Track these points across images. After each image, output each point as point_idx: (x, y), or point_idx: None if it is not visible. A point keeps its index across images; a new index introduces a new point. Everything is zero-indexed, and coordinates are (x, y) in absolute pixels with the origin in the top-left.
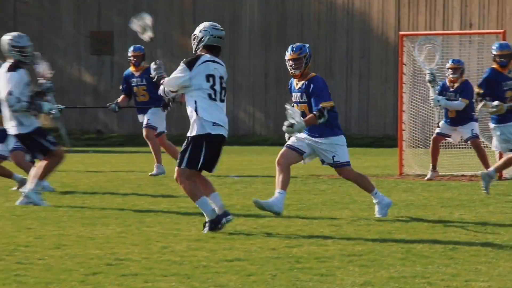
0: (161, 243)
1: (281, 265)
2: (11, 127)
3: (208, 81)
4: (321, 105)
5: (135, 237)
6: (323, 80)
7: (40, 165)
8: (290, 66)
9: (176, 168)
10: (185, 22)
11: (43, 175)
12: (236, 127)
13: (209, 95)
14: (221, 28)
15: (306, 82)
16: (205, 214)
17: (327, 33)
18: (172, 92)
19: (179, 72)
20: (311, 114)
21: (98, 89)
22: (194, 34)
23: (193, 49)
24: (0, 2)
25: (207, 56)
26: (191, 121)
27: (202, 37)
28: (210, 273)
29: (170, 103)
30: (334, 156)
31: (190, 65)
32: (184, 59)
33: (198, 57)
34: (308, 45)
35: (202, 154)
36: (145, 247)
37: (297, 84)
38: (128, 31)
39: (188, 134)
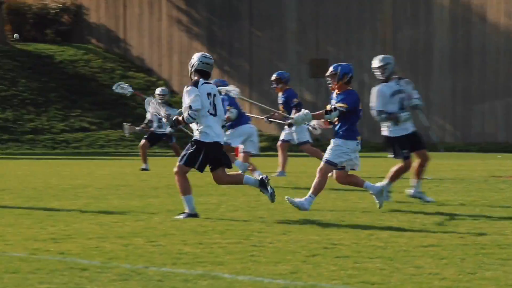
0: (368, 231)
1: (468, 251)
2: (385, 129)
3: (208, 98)
4: (335, 104)
5: (347, 226)
6: (355, 93)
7: (393, 168)
8: (328, 81)
9: (177, 163)
10: (386, 50)
11: (393, 178)
12: (429, 136)
13: (208, 110)
14: (210, 57)
15: (340, 94)
16: (187, 208)
17: (505, 60)
18: (197, 111)
19: (192, 93)
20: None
21: (316, 106)
22: (190, 62)
23: (189, 74)
24: (239, 36)
25: (203, 80)
26: (195, 129)
27: (194, 63)
28: (409, 256)
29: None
30: (328, 152)
31: (195, 85)
32: (187, 85)
33: (197, 81)
34: (346, 65)
35: (200, 157)
36: (354, 234)
37: (336, 95)
38: (340, 58)
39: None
